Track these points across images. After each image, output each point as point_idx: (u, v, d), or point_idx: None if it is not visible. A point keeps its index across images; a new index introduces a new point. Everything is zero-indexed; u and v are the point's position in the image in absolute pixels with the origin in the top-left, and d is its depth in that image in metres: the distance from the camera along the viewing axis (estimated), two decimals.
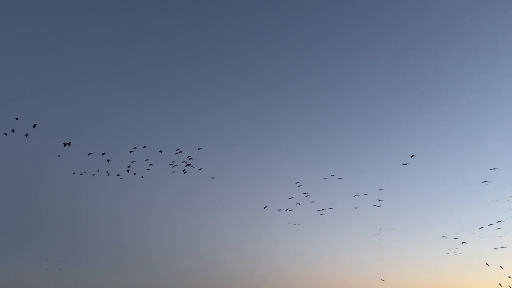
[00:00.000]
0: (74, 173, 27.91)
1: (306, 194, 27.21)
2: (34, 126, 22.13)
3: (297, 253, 43.12)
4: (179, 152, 26.27)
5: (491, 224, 31.28)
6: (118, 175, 27.53)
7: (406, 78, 53.86)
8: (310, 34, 54.60)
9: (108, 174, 27.45)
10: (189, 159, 26.19)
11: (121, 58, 52.46)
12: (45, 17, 48.83)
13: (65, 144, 23.83)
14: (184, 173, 28.30)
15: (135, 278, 38.80)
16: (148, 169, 27.25)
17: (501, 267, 29.49)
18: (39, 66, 48.64)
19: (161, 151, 26.07)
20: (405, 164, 27.34)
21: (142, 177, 28.82)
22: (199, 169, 27.89)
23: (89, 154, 25.22)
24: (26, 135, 22.45)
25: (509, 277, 27.91)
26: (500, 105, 50.18)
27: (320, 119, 52.73)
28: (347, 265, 42.94)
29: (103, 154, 25.17)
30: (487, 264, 30.10)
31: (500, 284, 27.92)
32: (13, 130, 22.47)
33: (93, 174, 27.45)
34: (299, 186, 27.75)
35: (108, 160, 25.61)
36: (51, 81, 48.33)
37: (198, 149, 26.63)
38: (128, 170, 26.23)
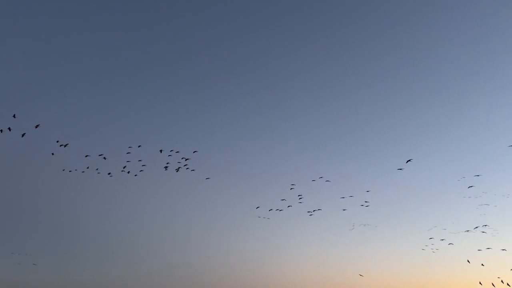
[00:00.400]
0: (63, 170, 28.05)
1: (300, 196, 28.13)
2: (37, 126, 22.12)
3: (280, 250, 44.31)
4: (177, 152, 26.71)
5: (476, 227, 32.61)
6: (109, 173, 27.78)
7: (388, 85, 55.27)
8: (301, 38, 55.13)
9: (98, 172, 27.68)
10: (186, 160, 26.67)
11: (120, 62, 52.31)
12: (45, 20, 48.25)
13: (61, 145, 24.01)
14: (177, 171, 28.73)
15: (118, 273, 39.09)
16: (141, 170, 27.57)
17: (482, 265, 30.55)
18: (39, 66, 48.19)
19: (161, 151, 26.41)
20: (400, 169, 28.42)
21: (135, 175, 29.17)
22: (192, 170, 28.35)
23: (86, 156, 25.47)
24: (23, 135, 22.43)
25: (499, 277, 28.51)
26: (490, 108, 51.95)
27: (312, 121, 53.64)
28: (325, 261, 44.34)
29: (99, 155, 25.42)
30: (468, 261, 31.32)
31: (480, 283, 28.59)
32: (9, 128, 22.43)
33: (83, 172, 27.63)
34: (291, 188, 28.61)
35: (104, 158, 25.85)
36: (49, 80, 47.93)
37: (194, 152, 27.07)
38: (123, 170, 26.54)
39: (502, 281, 27.74)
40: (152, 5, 53.08)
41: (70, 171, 28.11)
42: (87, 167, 27.46)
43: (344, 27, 55.90)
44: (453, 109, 52.67)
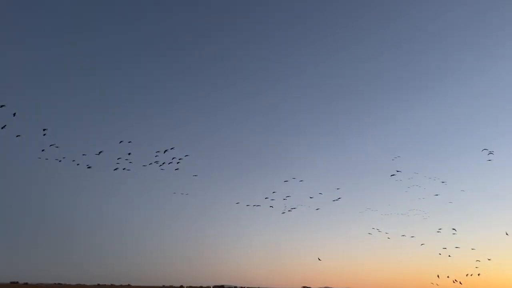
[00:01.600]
0: (39, 158, 28.16)
1: (286, 196, 30.62)
2: (45, 130, 22.09)
3: (240, 243, 47.51)
4: (171, 149, 27.85)
5: (439, 230, 35.37)
6: (89, 166, 28.25)
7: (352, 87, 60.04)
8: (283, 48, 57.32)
9: (77, 164, 28.08)
10: (179, 159, 28.00)
11: (118, 63, 51.91)
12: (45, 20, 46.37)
13: (51, 145, 24.25)
14: (160, 166, 29.92)
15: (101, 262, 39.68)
16: (128, 169, 28.31)
17: (441, 252, 33.35)
18: (42, 65, 46.63)
19: (165, 151, 27.28)
20: (393, 175, 31.80)
21: (124, 169, 29.94)
22: (176, 169, 29.67)
23: (83, 155, 25.72)
24: (18, 136, 22.23)
25: (477, 267, 29.64)
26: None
27: (302, 122, 57.57)
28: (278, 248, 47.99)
29: (96, 154, 25.71)
30: (412, 236, 34.61)
31: (438, 276, 30.94)
32: (4, 126, 22.08)
33: (60, 161, 27.89)
34: (273, 193, 30.93)
35: (100, 152, 26.16)
36: (51, 79, 46.52)
37: (185, 156, 28.37)
38: (116, 169, 27.15)
39: (454, 280, 30.26)
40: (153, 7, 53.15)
41: (46, 159, 28.23)
42: (64, 157, 27.76)
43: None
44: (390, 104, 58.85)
